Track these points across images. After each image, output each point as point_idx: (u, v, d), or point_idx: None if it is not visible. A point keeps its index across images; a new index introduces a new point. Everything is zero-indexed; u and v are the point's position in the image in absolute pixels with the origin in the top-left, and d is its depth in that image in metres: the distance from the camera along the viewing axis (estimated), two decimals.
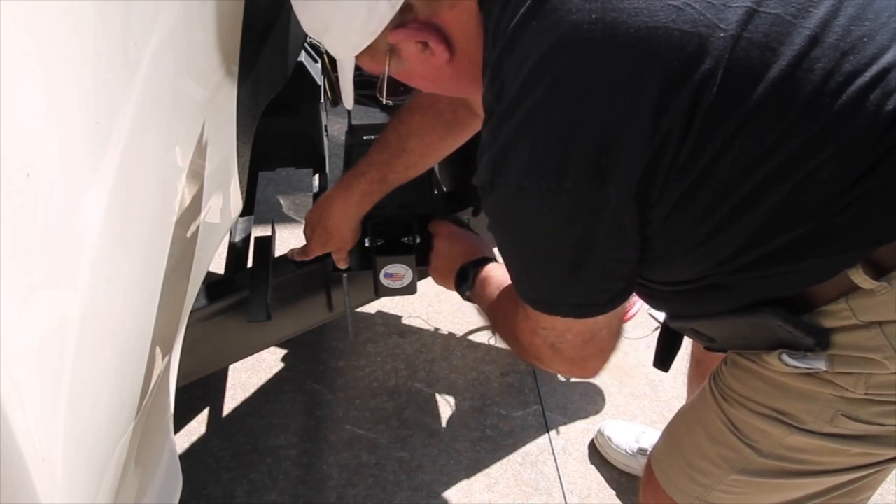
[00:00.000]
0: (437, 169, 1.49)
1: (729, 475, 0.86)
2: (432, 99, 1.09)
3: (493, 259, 1.12)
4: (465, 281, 1.11)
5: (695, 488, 0.90)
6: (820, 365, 0.72)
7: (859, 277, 0.67)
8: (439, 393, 1.79)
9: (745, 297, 0.75)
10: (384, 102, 0.93)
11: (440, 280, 1.23)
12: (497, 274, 1.06)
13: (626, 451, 1.60)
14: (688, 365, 1.47)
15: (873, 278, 0.67)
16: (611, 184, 0.67)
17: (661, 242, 0.74)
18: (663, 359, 0.99)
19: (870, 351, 0.69)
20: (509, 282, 0.87)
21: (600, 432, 1.65)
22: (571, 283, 0.75)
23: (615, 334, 0.84)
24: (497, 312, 1.00)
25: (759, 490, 0.86)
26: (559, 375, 1.84)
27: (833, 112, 0.63)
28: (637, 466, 1.59)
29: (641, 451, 1.58)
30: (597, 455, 1.65)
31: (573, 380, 1.82)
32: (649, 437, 1.60)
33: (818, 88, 0.63)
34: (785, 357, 0.74)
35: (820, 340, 0.71)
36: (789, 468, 0.81)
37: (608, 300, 0.77)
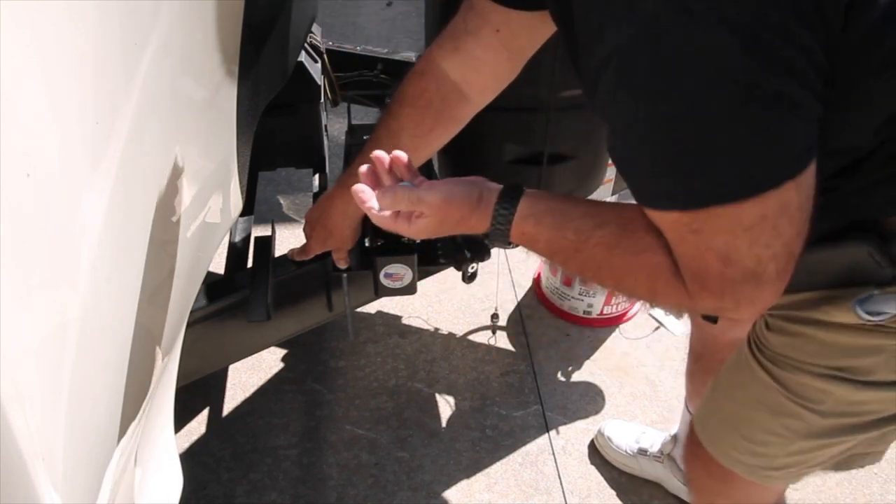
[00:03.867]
0: (436, 169, 1.49)
1: (795, 443, 0.88)
2: (420, 89, 1.09)
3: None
4: (507, 212, 0.78)
5: (758, 460, 0.93)
6: (893, 309, 0.72)
7: None
8: (439, 393, 1.79)
9: (837, 218, 0.73)
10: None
11: (443, 226, 0.82)
12: (567, 202, 0.78)
13: (626, 451, 1.60)
14: (685, 364, 1.46)
15: None
16: None
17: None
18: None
19: None
20: (597, 209, 0.71)
21: (600, 432, 1.65)
22: (756, 138, 0.58)
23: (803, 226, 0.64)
24: (612, 253, 0.73)
25: (822, 448, 0.88)
26: (559, 375, 1.83)
27: None
28: (637, 466, 1.59)
29: (641, 452, 1.58)
30: (597, 455, 1.65)
31: (573, 380, 1.82)
32: (649, 438, 1.59)
33: None
34: (859, 311, 0.74)
35: None
36: (851, 423, 0.83)
37: (806, 149, 0.60)
